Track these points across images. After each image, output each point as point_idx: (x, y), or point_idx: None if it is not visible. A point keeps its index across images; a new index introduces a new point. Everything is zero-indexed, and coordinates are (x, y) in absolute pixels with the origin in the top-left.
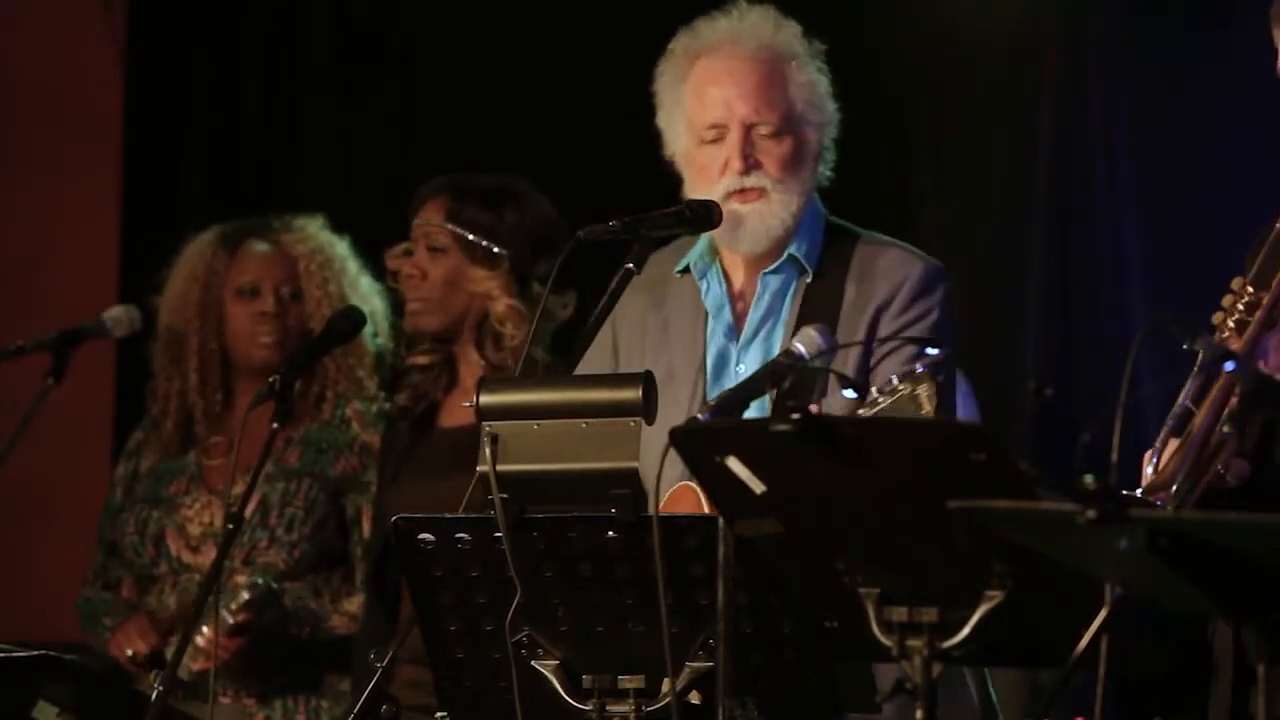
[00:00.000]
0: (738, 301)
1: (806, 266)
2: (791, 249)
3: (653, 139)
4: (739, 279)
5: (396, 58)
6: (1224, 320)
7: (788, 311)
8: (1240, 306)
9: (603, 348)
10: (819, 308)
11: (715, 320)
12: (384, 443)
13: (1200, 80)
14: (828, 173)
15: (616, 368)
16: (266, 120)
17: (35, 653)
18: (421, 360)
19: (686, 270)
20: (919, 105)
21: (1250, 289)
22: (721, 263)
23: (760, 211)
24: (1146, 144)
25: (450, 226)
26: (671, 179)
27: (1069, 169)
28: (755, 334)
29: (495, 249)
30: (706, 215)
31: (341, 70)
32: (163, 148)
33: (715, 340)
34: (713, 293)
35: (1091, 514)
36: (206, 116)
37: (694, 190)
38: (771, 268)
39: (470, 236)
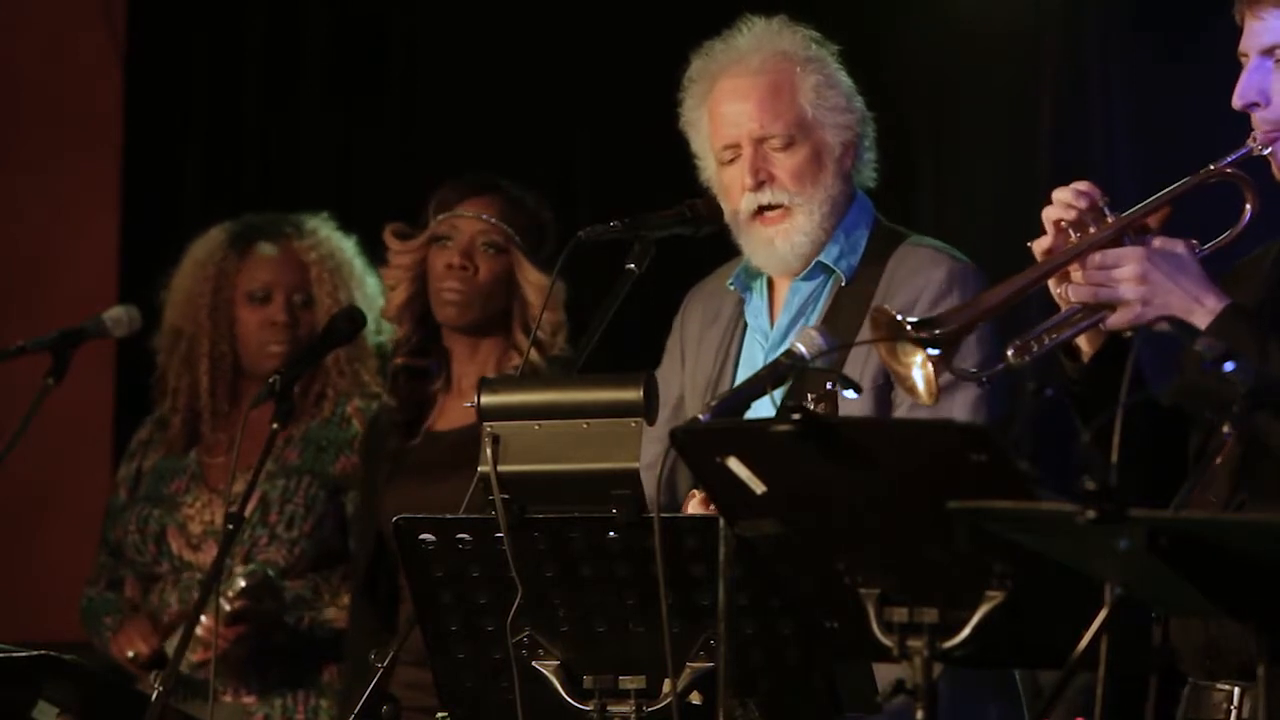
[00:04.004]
0: (777, 310)
1: (837, 270)
2: (821, 256)
3: (652, 140)
4: (783, 288)
5: (396, 58)
6: None
7: (817, 316)
8: None
9: (672, 357)
10: (847, 312)
11: (754, 331)
12: (369, 445)
13: (1201, 80)
14: (870, 172)
15: (684, 380)
16: (266, 120)
17: (35, 653)
18: (411, 363)
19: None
20: (919, 105)
21: None
22: (767, 274)
23: (786, 231)
24: (1147, 144)
25: (507, 228)
26: (671, 179)
27: (1069, 169)
28: (783, 339)
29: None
30: (706, 216)
31: (341, 70)
32: (163, 148)
33: (751, 350)
34: (754, 304)
35: (1091, 514)
36: (206, 117)
37: (726, 213)
38: (801, 275)
39: (523, 243)
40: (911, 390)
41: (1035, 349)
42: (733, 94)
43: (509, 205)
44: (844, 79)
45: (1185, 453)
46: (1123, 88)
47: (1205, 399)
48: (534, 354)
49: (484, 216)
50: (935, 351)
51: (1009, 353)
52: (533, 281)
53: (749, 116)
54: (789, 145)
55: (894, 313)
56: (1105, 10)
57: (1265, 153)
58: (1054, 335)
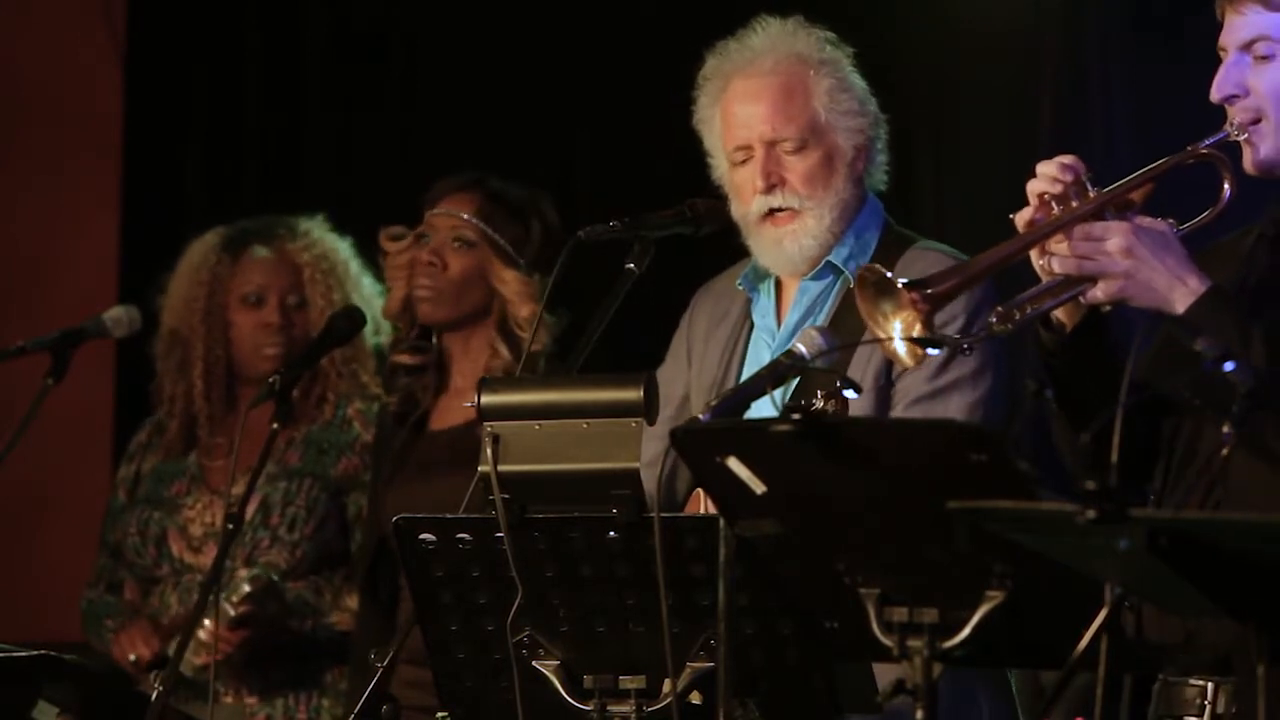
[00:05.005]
0: (785, 310)
1: (846, 272)
2: (831, 256)
3: (652, 140)
4: (791, 288)
5: (396, 58)
6: None
7: (825, 316)
8: None
9: (678, 356)
10: (854, 313)
11: (760, 330)
12: (376, 446)
13: (1201, 80)
14: (881, 175)
15: (689, 379)
16: (267, 121)
17: (35, 653)
18: (407, 360)
19: None
20: (919, 105)
21: None
22: (776, 275)
23: (795, 233)
24: (1147, 144)
25: (481, 225)
26: (671, 179)
27: None
28: (789, 338)
29: (520, 260)
30: (706, 216)
31: (341, 70)
32: (163, 148)
33: (757, 349)
34: (761, 305)
35: (1091, 514)
36: (206, 117)
37: (736, 213)
38: (810, 275)
39: (500, 241)
40: (894, 354)
41: (1017, 317)
42: (746, 95)
43: (487, 201)
44: (858, 81)
45: (1157, 438)
46: (1123, 88)
47: (1205, 399)
48: (508, 351)
49: (458, 213)
50: (917, 294)
51: (991, 320)
52: (505, 279)
53: (761, 119)
54: (801, 148)
55: (884, 271)
56: (1105, 10)
57: (1241, 139)
58: (1035, 305)
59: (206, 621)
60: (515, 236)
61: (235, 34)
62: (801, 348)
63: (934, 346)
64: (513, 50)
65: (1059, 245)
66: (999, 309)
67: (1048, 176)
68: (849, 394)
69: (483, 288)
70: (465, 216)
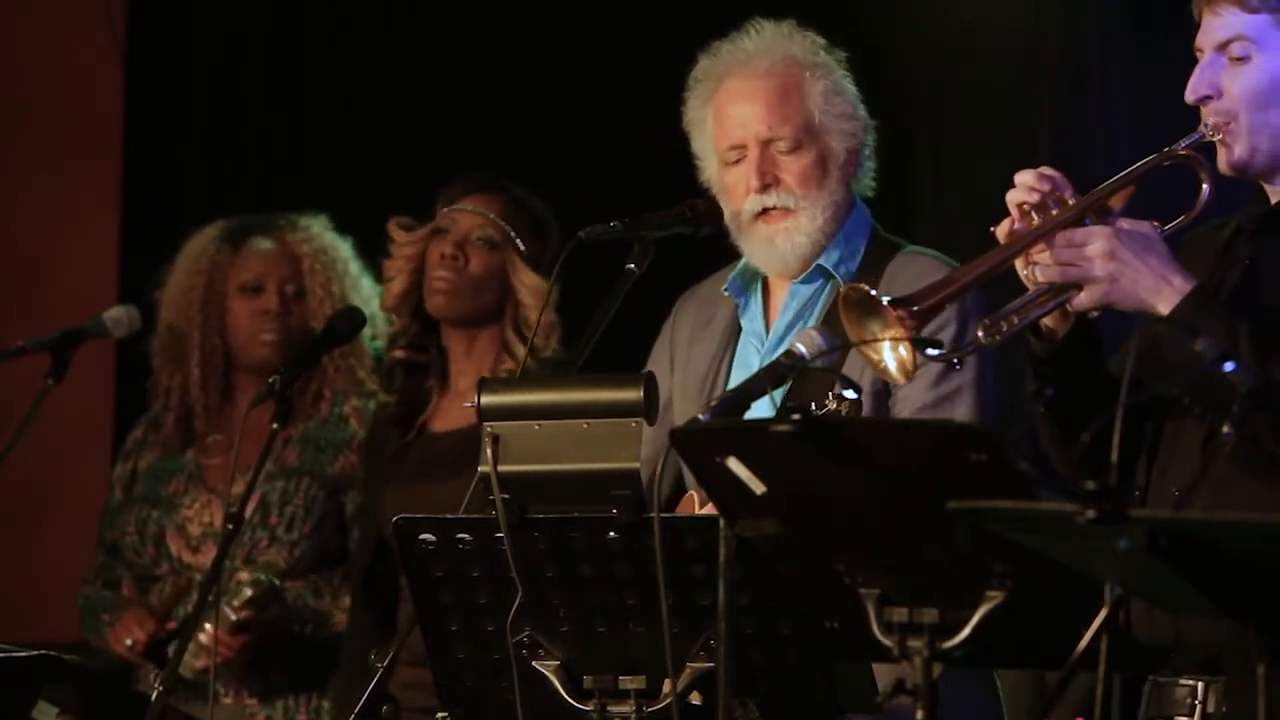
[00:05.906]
0: (773, 314)
1: (836, 276)
2: (821, 260)
3: (652, 140)
4: (779, 292)
5: (396, 58)
6: None
7: (815, 320)
8: None
9: (660, 361)
10: None
11: (749, 334)
12: (370, 445)
13: None
14: (869, 181)
15: (672, 385)
16: (267, 121)
17: (35, 653)
18: (407, 356)
19: None
20: (919, 105)
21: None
22: (764, 279)
23: (787, 231)
24: (1147, 145)
25: (506, 227)
26: (671, 179)
27: (1069, 170)
28: (779, 341)
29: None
30: (706, 216)
31: (341, 70)
32: (163, 148)
33: (746, 353)
34: (750, 310)
35: (1091, 514)
36: (206, 117)
37: (727, 213)
38: (800, 278)
39: (523, 244)
40: (884, 371)
41: (1005, 329)
42: (740, 95)
43: (511, 206)
44: (850, 86)
45: (1140, 437)
46: (1123, 88)
47: (1204, 399)
48: (522, 353)
49: (485, 212)
50: (903, 312)
51: (979, 332)
52: (526, 283)
53: (757, 118)
54: (796, 149)
55: (868, 289)
56: (1105, 10)
57: (1216, 139)
58: (1023, 315)
59: (207, 625)
60: (535, 246)
61: (235, 34)
62: (801, 348)
63: (929, 347)
64: (513, 50)
65: (1042, 254)
66: (986, 321)
67: (1025, 186)
68: (848, 394)
69: (499, 288)
70: (491, 216)
